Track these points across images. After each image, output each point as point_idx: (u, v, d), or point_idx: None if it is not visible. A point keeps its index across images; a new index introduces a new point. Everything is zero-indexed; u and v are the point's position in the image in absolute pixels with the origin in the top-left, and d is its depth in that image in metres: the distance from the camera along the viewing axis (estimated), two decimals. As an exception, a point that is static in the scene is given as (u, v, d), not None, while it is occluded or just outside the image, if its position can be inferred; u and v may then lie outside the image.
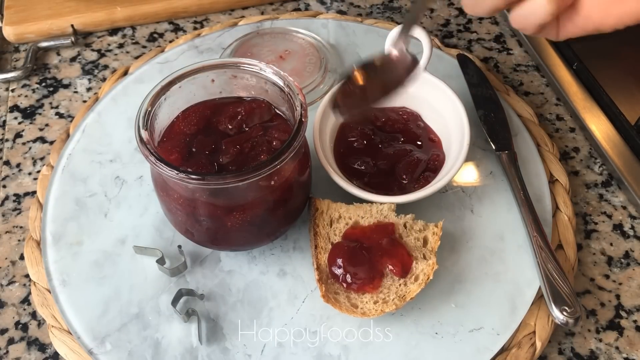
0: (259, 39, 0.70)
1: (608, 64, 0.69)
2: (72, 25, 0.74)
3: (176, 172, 0.42)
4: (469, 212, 0.56)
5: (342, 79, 0.46)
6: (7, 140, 0.64)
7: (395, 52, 0.46)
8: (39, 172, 0.61)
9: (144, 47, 0.75)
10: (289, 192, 0.49)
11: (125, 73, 0.69)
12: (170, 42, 0.73)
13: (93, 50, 0.74)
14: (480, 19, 0.78)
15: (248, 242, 0.51)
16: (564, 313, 0.47)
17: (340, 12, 0.79)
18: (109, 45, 0.75)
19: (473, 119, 0.60)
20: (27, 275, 0.54)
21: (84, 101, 0.68)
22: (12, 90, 0.70)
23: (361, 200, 0.52)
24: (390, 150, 0.56)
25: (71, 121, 0.65)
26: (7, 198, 0.60)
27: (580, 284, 0.54)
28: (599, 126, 0.63)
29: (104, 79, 0.71)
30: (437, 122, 0.59)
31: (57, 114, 0.67)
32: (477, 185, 0.58)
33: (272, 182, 0.46)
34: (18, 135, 0.65)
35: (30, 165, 0.62)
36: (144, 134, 0.45)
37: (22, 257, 0.55)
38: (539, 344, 0.48)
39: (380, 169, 0.55)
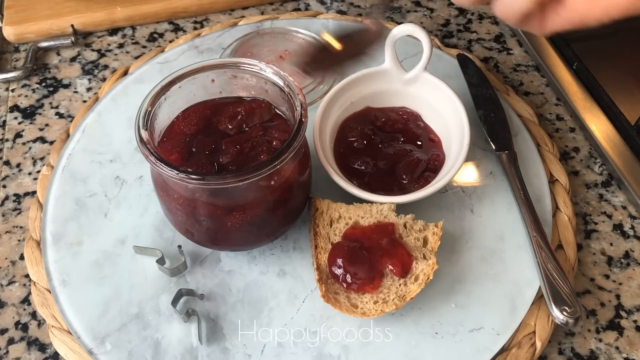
0: (259, 39, 0.70)
1: (608, 64, 0.69)
2: (72, 25, 0.74)
3: (176, 172, 0.42)
4: (469, 212, 0.56)
5: (312, 43, 0.47)
6: (7, 140, 0.64)
7: (367, 22, 0.47)
8: (39, 172, 0.61)
9: (144, 47, 0.75)
10: (289, 192, 0.49)
11: (125, 73, 0.69)
12: (170, 42, 0.73)
13: (93, 50, 0.74)
14: (480, 18, 0.78)
15: (248, 242, 0.51)
16: (564, 313, 0.47)
17: (340, 12, 0.79)
18: (109, 45, 0.75)
19: (473, 119, 0.60)
20: (27, 275, 0.54)
21: (84, 101, 0.68)
22: (12, 90, 0.70)
23: (361, 200, 0.52)
24: (390, 150, 0.56)
25: (71, 121, 0.65)
26: (7, 198, 0.60)
27: (580, 284, 0.54)
28: (599, 126, 0.63)
29: (104, 79, 0.71)
30: (437, 122, 0.59)
31: (57, 114, 0.67)
32: (477, 185, 0.58)
33: (272, 182, 0.46)
34: (18, 135, 0.65)
35: (30, 165, 0.62)
36: (144, 134, 0.45)
37: (22, 257, 0.55)
38: (539, 344, 0.48)
39: (380, 169, 0.55)
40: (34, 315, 0.52)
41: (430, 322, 0.49)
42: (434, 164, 0.55)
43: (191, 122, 0.50)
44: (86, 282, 0.52)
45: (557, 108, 0.68)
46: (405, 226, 0.51)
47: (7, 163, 0.62)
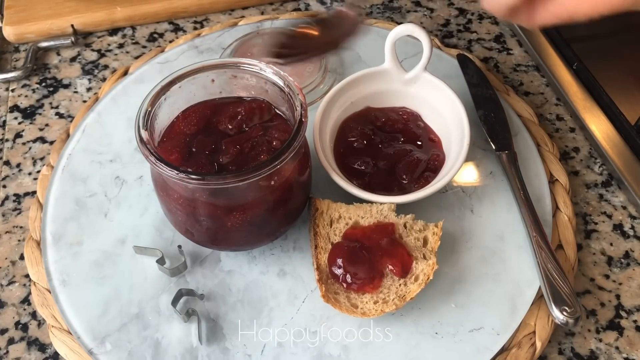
0: (259, 39, 0.70)
1: (608, 64, 0.69)
2: (72, 25, 0.74)
3: (176, 172, 0.42)
4: (469, 212, 0.56)
5: (282, 30, 0.46)
6: (7, 140, 0.64)
7: (343, 10, 0.46)
8: (39, 172, 0.61)
9: (144, 47, 0.75)
10: (289, 192, 0.49)
11: (125, 73, 0.69)
12: (170, 42, 0.73)
13: (93, 50, 0.74)
14: (480, 18, 0.78)
15: (248, 242, 0.51)
16: (564, 313, 0.47)
17: (340, 12, 0.79)
18: (109, 45, 0.75)
19: (473, 119, 0.60)
20: (27, 275, 0.54)
21: (84, 101, 0.68)
22: (12, 90, 0.70)
23: (361, 200, 0.52)
24: (390, 150, 0.56)
25: (71, 121, 0.65)
26: (7, 198, 0.60)
27: (580, 284, 0.54)
28: (599, 126, 0.63)
29: (104, 79, 0.71)
30: (437, 122, 0.59)
31: (57, 114, 0.67)
32: (477, 185, 0.58)
33: (272, 182, 0.46)
34: (18, 135, 0.65)
35: (30, 165, 0.62)
36: (144, 134, 0.45)
37: (22, 257, 0.55)
38: (539, 344, 0.48)
39: (380, 169, 0.55)
40: (34, 315, 0.52)
41: (430, 322, 0.49)
42: (434, 164, 0.55)
43: (191, 122, 0.50)
44: (86, 282, 0.52)
45: (557, 108, 0.68)
46: (405, 226, 0.51)
47: (7, 163, 0.62)
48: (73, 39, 0.73)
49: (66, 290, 0.51)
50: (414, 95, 0.60)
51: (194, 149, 0.48)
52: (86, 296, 0.51)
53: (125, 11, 0.75)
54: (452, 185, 0.58)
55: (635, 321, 0.51)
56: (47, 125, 0.66)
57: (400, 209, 0.52)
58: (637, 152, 0.60)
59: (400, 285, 0.48)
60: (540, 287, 0.50)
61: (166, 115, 0.50)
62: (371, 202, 0.52)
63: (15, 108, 0.68)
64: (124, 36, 0.76)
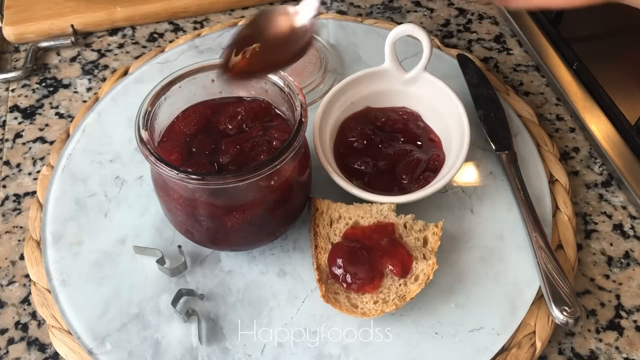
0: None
1: (608, 64, 0.69)
2: (72, 25, 0.74)
3: (176, 172, 0.42)
4: (469, 212, 0.56)
5: (232, 42, 0.43)
6: (7, 140, 0.64)
7: (298, 23, 0.44)
8: (39, 172, 0.61)
9: (144, 47, 0.75)
10: (289, 192, 0.49)
11: (125, 73, 0.69)
12: (170, 42, 0.73)
13: (93, 50, 0.74)
14: (480, 18, 0.78)
15: (248, 242, 0.51)
16: (564, 313, 0.47)
17: (340, 12, 0.79)
18: (109, 45, 0.75)
19: (473, 119, 0.60)
20: (27, 275, 0.54)
21: (84, 101, 0.68)
22: (12, 90, 0.70)
23: (361, 200, 0.52)
24: (390, 150, 0.56)
25: (71, 121, 0.65)
26: (7, 198, 0.60)
27: (580, 284, 0.54)
28: (599, 126, 0.63)
29: (104, 79, 0.71)
30: (437, 122, 0.59)
31: (57, 114, 0.67)
32: (477, 185, 0.58)
33: (272, 182, 0.46)
34: (18, 135, 0.65)
35: (30, 165, 0.62)
36: (144, 134, 0.45)
37: (22, 257, 0.55)
38: (539, 344, 0.48)
39: (380, 169, 0.55)
40: (34, 315, 0.52)
41: (430, 322, 0.49)
42: (434, 164, 0.55)
43: (191, 122, 0.50)
44: (86, 282, 0.52)
45: (557, 108, 0.68)
46: (405, 226, 0.51)
47: (7, 163, 0.62)
48: (73, 39, 0.73)
49: (66, 290, 0.51)
50: (414, 95, 0.60)
51: (194, 149, 0.48)
52: (86, 296, 0.51)
53: (125, 11, 0.75)
54: (452, 185, 0.58)
55: (635, 321, 0.51)
56: (47, 125, 0.66)
57: (400, 209, 0.52)
58: (637, 152, 0.60)
59: (400, 285, 0.48)
60: (540, 287, 0.50)
61: (166, 115, 0.50)
62: (371, 202, 0.52)
63: (15, 108, 0.68)
64: (124, 36, 0.76)
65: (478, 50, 0.74)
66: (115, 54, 0.74)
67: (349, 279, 0.47)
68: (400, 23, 0.63)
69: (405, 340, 0.48)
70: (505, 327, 0.49)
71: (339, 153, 0.57)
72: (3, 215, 0.58)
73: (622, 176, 0.60)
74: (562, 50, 0.70)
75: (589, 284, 0.54)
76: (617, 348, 0.50)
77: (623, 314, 0.52)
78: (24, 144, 0.64)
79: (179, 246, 0.52)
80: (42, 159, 0.63)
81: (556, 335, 0.50)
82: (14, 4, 0.75)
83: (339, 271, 0.48)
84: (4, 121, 0.67)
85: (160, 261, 0.51)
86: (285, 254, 0.53)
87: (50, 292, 0.51)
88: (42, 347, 0.50)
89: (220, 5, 0.78)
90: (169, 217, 0.51)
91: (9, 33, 0.73)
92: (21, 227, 0.57)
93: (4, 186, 0.60)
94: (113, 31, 0.76)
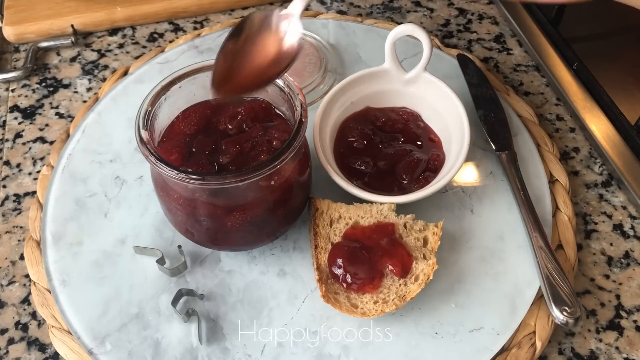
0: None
1: (608, 64, 0.69)
2: (72, 25, 0.74)
3: (176, 172, 0.42)
4: (469, 212, 0.56)
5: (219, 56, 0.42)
6: (7, 140, 0.64)
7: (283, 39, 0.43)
8: (39, 172, 0.61)
9: (144, 47, 0.75)
10: (289, 192, 0.49)
11: (125, 73, 0.69)
12: (170, 42, 0.73)
13: (93, 50, 0.74)
14: (480, 18, 0.78)
15: (248, 242, 0.51)
16: (564, 313, 0.47)
17: (340, 12, 0.79)
18: (109, 45, 0.75)
19: (473, 119, 0.60)
20: (27, 275, 0.54)
21: (84, 101, 0.68)
22: (12, 90, 0.70)
23: (361, 200, 0.52)
24: (390, 150, 0.56)
25: (71, 121, 0.65)
26: (7, 198, 0.60)
27: (580, 284, 0.54)
28: (599, 126, 0.63)
29: (104, 79, 0.71)
30: (437, 122, 0.59)
31: (57, 114, 0.67)
32: (477, 185, 0.58)
33: (272, 182, 0.46)
34: (18, 135, 0.65)
35: (30, 165, 0.62)
36: (144, 134, 0.45)
37: (22, 257, 0.55)
38: (539, 344, 0.48)
39: (380, 169, 0.55)
40: (34, 315, 0.52)
41: (430, 322, 0.49)
42: (434, 164, 0.55)
43: (191, 122, 0.50)
44: (86, 282, 0.52)
45: (557, 108, 0.68)
46: (405, 226, 0.51)
47: (7, 163, 0.62)
48: (73, 39, 0.73)
49: (66, 290, 0.51)
50: (414, 95, 0.60)
51: (194, 149, 0.48)
52: (86, 296, 0.51)
53: (125, 11, 0.75)
54: (452, 185, 0.58)
55: (635, 321, 0.51)
56: (47, 125, 0.66)
57: (400, 209, 0.52)
58: (637, 152, 0.60)
59: (400, 285, 0.48)
60: (540, 287, 0.50)
61: (166, 115, 0.50)
62: (371, 202, 0.52)
63: (15, 108, 0.68)
64: (124, 36, 0.76)
65: (478, 50, 0.74)
66: (115, 54, 0.74)
67: (349, 279, 0.47)
68: (400, 23, 0.63)
69: (405, 340, 0.48)
70: (505, 327, 0.49)
71: (339, 153, 0.57)
72: (3, 215, 0.58)
73: (622, 176, 0.60)
74: (562, 50, 0.70)
75: (589, 284, 0.54)
76: (617, 348, 0.50)
77: (623, 314, 0.52)
78: (24, 144, 0.64)
79: (179, 246, 0.52)
80: (42, 159, 0.63)
81: (556, 335, 0.50)
82: (14, 4, 0.75)
83: (339, 271, 0.48)
84: (4, 121, 0.67)
85: (160, 261, 0.51)
86: (285, 254, 0.53)
87: (50, 292, 0.51)
88: (42, 347, 0.50)
89: (220, 5, 0.78)
90: (169, 217, 0.51)
91: (9, 33, 0.73)
92: (21, 227, 0.57)
93: (4, 186, 0.60)
94: (113, 31, 0.76)
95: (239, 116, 0.49)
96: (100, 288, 0.51)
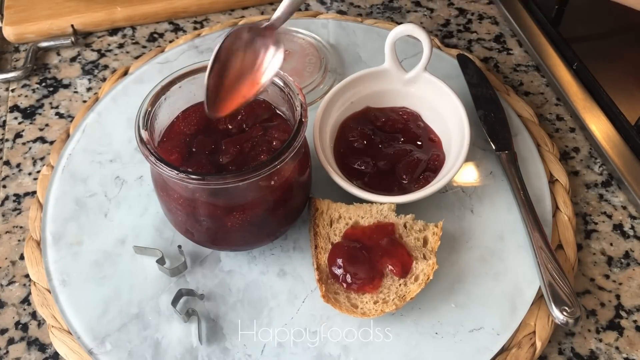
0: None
1: (608, 64, 0.69)
2: (72, 25, 0.74)
3: (176, 172, 0.42)
4: (469, 212, 0.56)
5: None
6: (7, 140, 0.64)
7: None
8: (39, 172, 0.61)
9: (144, 47, 0.75)
10: (289, 192, 0.49)
11: (125, 73, 0.69)
12: (170, 42, 0.73)
13: (93, 50, 0.74)
14: (480, 18, 0.78)
15: (248, 242, 0.51)
16: (564, 313, 0.47)
17: (340, 12, 0.79)
18: (109, 45, 0.75)
19: (473, 119, 0.60)
20: (27, 275, 0.54)
21: (84, 101, 0.68)
22: (12, 90, 0.70)
23: (361, 200, 0.52)
24: (390, 150, 0.56)
25: (71, 121, 0.65)
26: (7, 198, 0.60)
27: (580, 284, 0.54)
28: (599, 126, 0.63)
29: (104, 79, 0.71)
30: (437, 122, 0.59)
31: (57, 114, 0.67)
32: (477, 185, 0.58)
33: (272, 182, 0.46)
34: (18, 135, 0.65)
35: (30, 165, 0.62)
36: (144, 134, 0.45)
37: (22, 257, 0.55)
38: (539, 344, 0.48)
39: (380, 169, 0.55)
40: (34, 315, 0.52)
41: (430, 322, 0.49)
42: (434, 164, 0.55)
43: (191, 122, 0.50)
44: (86, 282, 0.52)
45: (557, 108, 0.68)
46: (405, 226, 0.51)
47: (7, 163, 0.62)
48: (73, 39, 0.73)
49: (66, 290, 0.51)
50: (414, 95, 0.60)
51: (194, 149, 0.48)
52: (86, 296, 0.51)
53: (125, 11, 0.75)
54: (452, 185, 0.58)
55: (635, 321, 0.51)
56: (47, 125, 0.66)
57: (400, 209, 0.52)
58: (637, 152, 0.60)
59: (400, 285, 0.48)
60: (540, 287, 0.50)
61: (166, 115, 0.50)
62: (371, 202, 0.52)
63: (15, 108, 0.68)
64: (124, 36, 0.76)
65: (478, 50, 0.74)
66: (115, 54, 0.74)
67: (349, 279, 0.47)
68: (400, 23, 0.63)
69: (405, 340, 0.48)
70: (505, 327, 0.49)
71: (339, 153, 0.57)
72: (3, 215, 0.58)
73: (622, 176, 0.60)
74: (562, 50, 0.70)
75: (589, 284, 0.54)
76: (617, 348, 0.50)
77: (623, 314, 0.52)
78: (24, 144, 0.64)
79: (179, 246, 0.52)
80: (42, 159, 0.63)
81: (556, 335, 0.50)
82: (14, 4, 0.75)
83: (339, 271, 0.48)
84: (4, 121, 0.67)
85: (160, 261, 0.51)
86: (285, 254, 0.53)
87: (50, 292, 0.51)
88: (42, 347, 0.50)
89: (220, 5, 0.78)
90: (169, 217, 0.51)
91: (9, 33, 0.73)
92: (21, 227, 0.57)
93: (4, 186, 0.60)
94: (113, 31, 0.76)
95: (239, 116, 0.49)
96: (100, 288, 0.51)
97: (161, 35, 0.76)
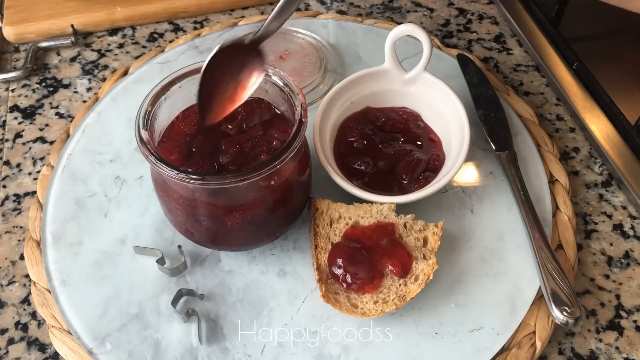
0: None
1: (608, 64, 0.69)
2: (72, 25, 0.74)
3: (176, 172, 0.42)
4: (469, 212, 0.56)
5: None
6: (7, 140, 0.64)
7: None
8: (39, 172, 0.61)
9: (144, 47, 0.75)
10: (289, 192, 0.49)
11: (125, 73, 0.69)
12: (170, 42, 0.73)
13: (93, 50, 0.74)
14: (480, 18, 0.78)
15: (248, 242, 0.51)
16: (564, 313, 0.47)
17: (340, 12, 0.79)
18: (109, 45, 0.75)
19: (473, 119, 0.60)
20: (27, 275, 0.54)
21: (84, 101, 0.68)
22: (12, 90, 0.70)
23: (361, 200, 0.52)
24: (390, 150, 0.56)
25: (71, 121, 0.65)
26: (7, 198, 0.60)
27: (580, 284, 0.54)
28: (599, 126, 0.63)
29: (104, 79, 0.71)
30: (437, 122, 0.59)
31: (57, 114, 0.67)
32: (477, 185, 0.58)
33: (272, 182, 0.46)
34: (18, 135, 0.65)
35: (30, 165, 0.62)
36: (144, 134, 0.45)
37: (22, 257, 0.55)
38: (539, 344, 0.48)
39: (380, 169, 0.55)
40: (34, 315, 0.52)
41: (430, 322, 0.49)
42: (434, 164, 0.55)
43: (191, 122, 0.50)
44: (86, 282, 0.52)
45: (557, 108, 0.68)
46: (405, 226, 0.51)
47: (7, 163, 0.62)
48: (73, 39, 0.73)
49: (66, 290, 0.51)
50: (414, 95, 0.60)
51: (194, 149, 0.48)
52: (86, 296, 0.51)
53: (125, 11, 0.75)
54: (452, 185, 0.58)
55: (635, 321, 0.51)
56: (47, 125, 0.66)
57: (400, 209, 0.52)
58: (637, 152, 0.60)
59: (400, 285, 0.48)
60: (540, 287, 0.50)
61: (166, 115, 0.50)
62: (371, 202, 0.52)
63: (15, 108, 0.68)
64: (124, 36, 0.76)
65: (478, 50, 0.74)
66: (115, 54, 0.74)
67: (349, 279, 0.47)
68: (400, 23, 0.63)
69: (405, 340, 0.48)
70: (505, 327, 0.49)
71: (339, 153, 0.57)
72: (3, 215, 0.58)
73: (622, 176, 0.60)
74: (562, 50, 0.70)
75: (589, 284, 0.54)
76: (617, 348, 0.50)
77: (623, 314, 0.52)
78: (24, 144, 0.64)
79: (179, 246, 0.52)
80: (42, 159, 0.63)
81: (556, 335, 0.50)
82: (14, 4, 0.75)
83: (339, 271, 0.48)
84: (4, 121, 0.67)
85: (160, 261, 0.51)
86: (285, 254, 0.53)
87: (50, 292, 0.51)
88: (42, 347, 0.50)
89: (220, 5, 0.78)
90: (169, 217, 0.51)
91: (9, 33, 0.73)
92: (21, 227, 0.57)
93: (4, 186, 0.60)
94: (113, 31, 0.76)
95: (239, 116, 0.49)
96: (100, 288, 0.51)
97: (161, 35, 0.76)
